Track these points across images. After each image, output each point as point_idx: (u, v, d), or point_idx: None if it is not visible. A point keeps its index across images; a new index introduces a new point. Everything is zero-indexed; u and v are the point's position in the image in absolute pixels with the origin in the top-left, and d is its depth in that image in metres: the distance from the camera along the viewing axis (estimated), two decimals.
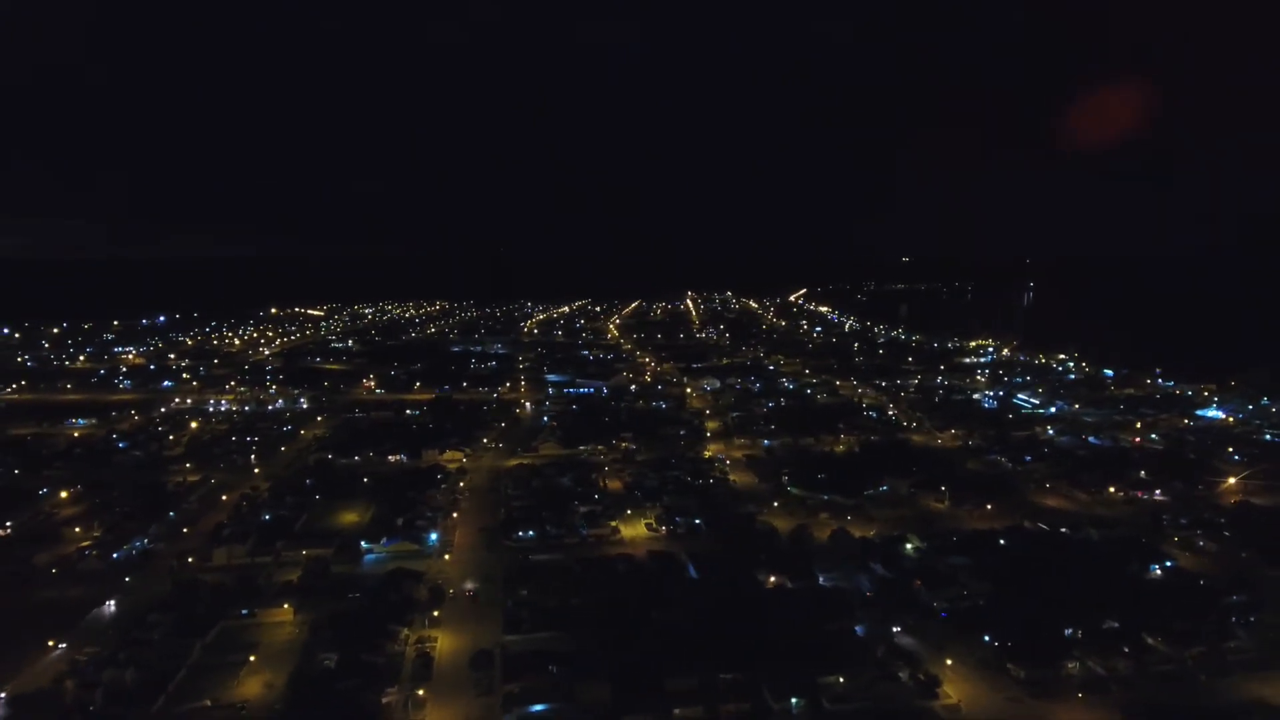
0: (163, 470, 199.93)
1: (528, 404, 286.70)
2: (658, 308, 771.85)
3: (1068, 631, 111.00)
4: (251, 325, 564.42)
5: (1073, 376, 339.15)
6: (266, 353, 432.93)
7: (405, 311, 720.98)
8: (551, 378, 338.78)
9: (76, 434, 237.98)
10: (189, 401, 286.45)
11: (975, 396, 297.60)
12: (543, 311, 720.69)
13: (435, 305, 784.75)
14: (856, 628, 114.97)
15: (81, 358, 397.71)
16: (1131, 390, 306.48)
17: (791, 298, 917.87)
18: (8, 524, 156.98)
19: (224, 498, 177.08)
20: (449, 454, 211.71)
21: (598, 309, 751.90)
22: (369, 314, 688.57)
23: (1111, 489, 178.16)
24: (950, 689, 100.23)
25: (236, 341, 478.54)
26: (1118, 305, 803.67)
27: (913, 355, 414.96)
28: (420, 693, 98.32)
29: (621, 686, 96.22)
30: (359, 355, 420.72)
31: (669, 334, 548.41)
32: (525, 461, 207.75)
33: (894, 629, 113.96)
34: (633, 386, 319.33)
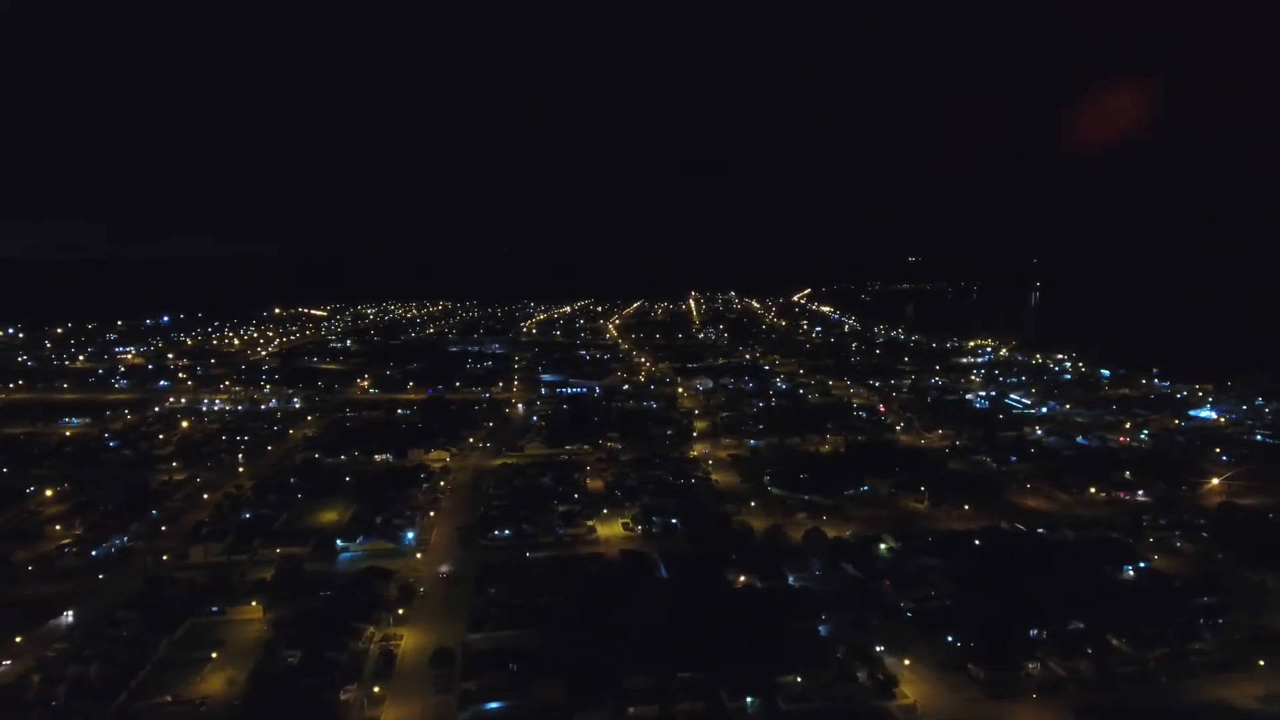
0: (150, 469, 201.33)
1: (519, 404, 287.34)
2: (659, 308, 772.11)
3: (1032, 632, 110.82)
4: (253, 325, 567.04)
5: (1068, 377, 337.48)
6: (264, 353, 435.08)
7: (407, 312, 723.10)
8: (546, 377, 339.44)
9: (69, 433, 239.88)
10: (183, 401, 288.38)
11: (968, 397, 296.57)
12: (544, 312, 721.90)
13: (438, 305, 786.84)
14: (821, 628, 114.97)
15: (81, 358, 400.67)
16: (1126, 390, 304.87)
17: (795, 298, 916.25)
18: None
19: (205, 496, 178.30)
20: (434, 454, 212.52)
21: (599, 309, 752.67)
22: (371, 314, 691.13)
23: (1093, 489, 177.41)
24: (908, 689, 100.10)
25: (236, 341, 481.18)
26: (1118, 305, 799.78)
27: (910, 355, 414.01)
28: (376, 690, 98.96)
29: (577, 684, 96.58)
30: (356, 355, 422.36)
31: (668, 334, 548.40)
32: (510, 461, 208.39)
33: (858, 629, 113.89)
34: (625, 386, 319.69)
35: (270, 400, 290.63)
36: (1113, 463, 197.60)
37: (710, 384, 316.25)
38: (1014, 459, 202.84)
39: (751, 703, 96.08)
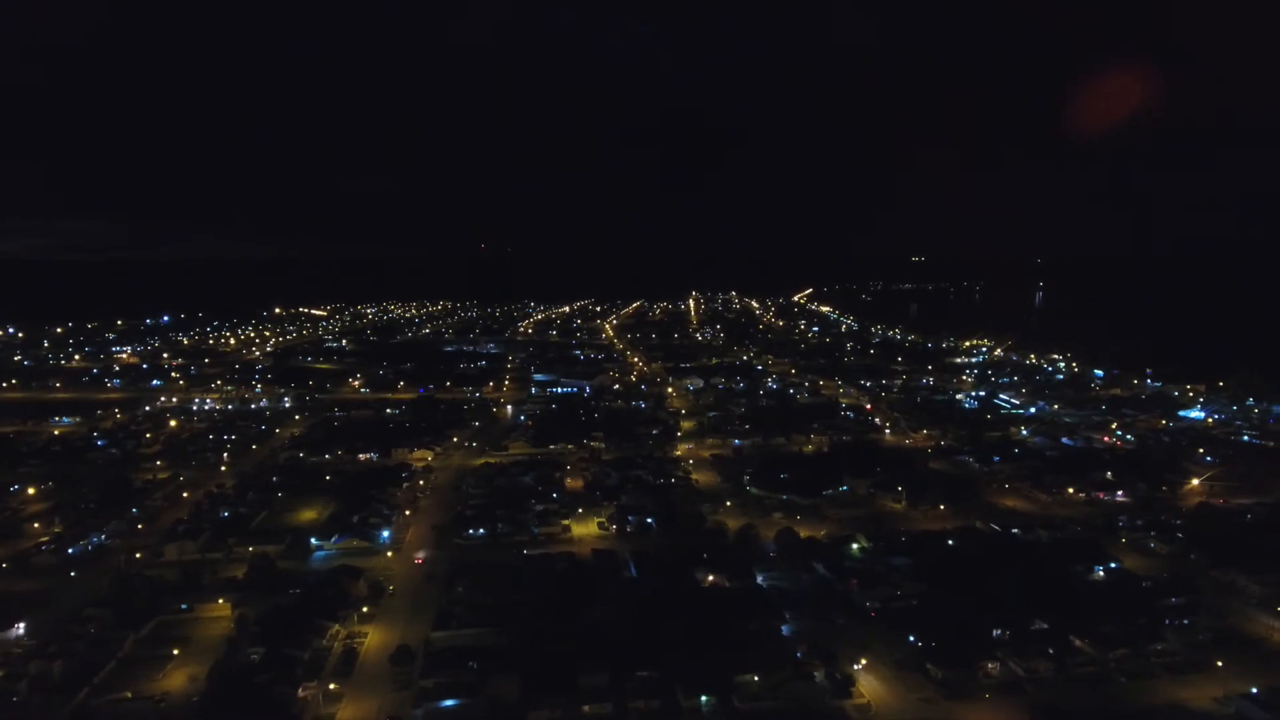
0: (135, 467, 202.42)
1: (508, 403, 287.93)
2: (658, 308, 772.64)
3: (995, 632, 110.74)
4: (252, 325, 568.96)
5: (1060, 377, 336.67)
6: (259, 352, 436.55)
7: (406, 311, 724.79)
8: (537, 377, 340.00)
9: (58, 431, 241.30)
10: (174, 400, 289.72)
11: (958, 397, 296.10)
12: (543, 311, 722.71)
13: (438, 305, 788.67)
14: (784, 627, 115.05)
15: (78, 357, 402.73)
16: (1117, 390, 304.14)
17: (795, 298, 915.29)
18: None
19: (185, 495, 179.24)
20: (418, 452, 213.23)
21: (598, 309, 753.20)
22: (370, 314, 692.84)
23: (1071, 490, 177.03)
24: (865, 688, 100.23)
25: (232, 341, 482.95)
26: (1117, 305, 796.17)
27: (905, 355, 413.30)
28: (334, 687, 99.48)
29: (533, 682, 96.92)
30: (351, 355, 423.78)
31: (665, 334, 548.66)
32: (492, 460, 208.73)
33: (821, 629, 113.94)
34: (615, 386, 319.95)
35: (261, 400, 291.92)
36: (1095, 463, 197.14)
37: (700, 384, 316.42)
38: (997, 459, 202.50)
39: (706, 701, 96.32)
